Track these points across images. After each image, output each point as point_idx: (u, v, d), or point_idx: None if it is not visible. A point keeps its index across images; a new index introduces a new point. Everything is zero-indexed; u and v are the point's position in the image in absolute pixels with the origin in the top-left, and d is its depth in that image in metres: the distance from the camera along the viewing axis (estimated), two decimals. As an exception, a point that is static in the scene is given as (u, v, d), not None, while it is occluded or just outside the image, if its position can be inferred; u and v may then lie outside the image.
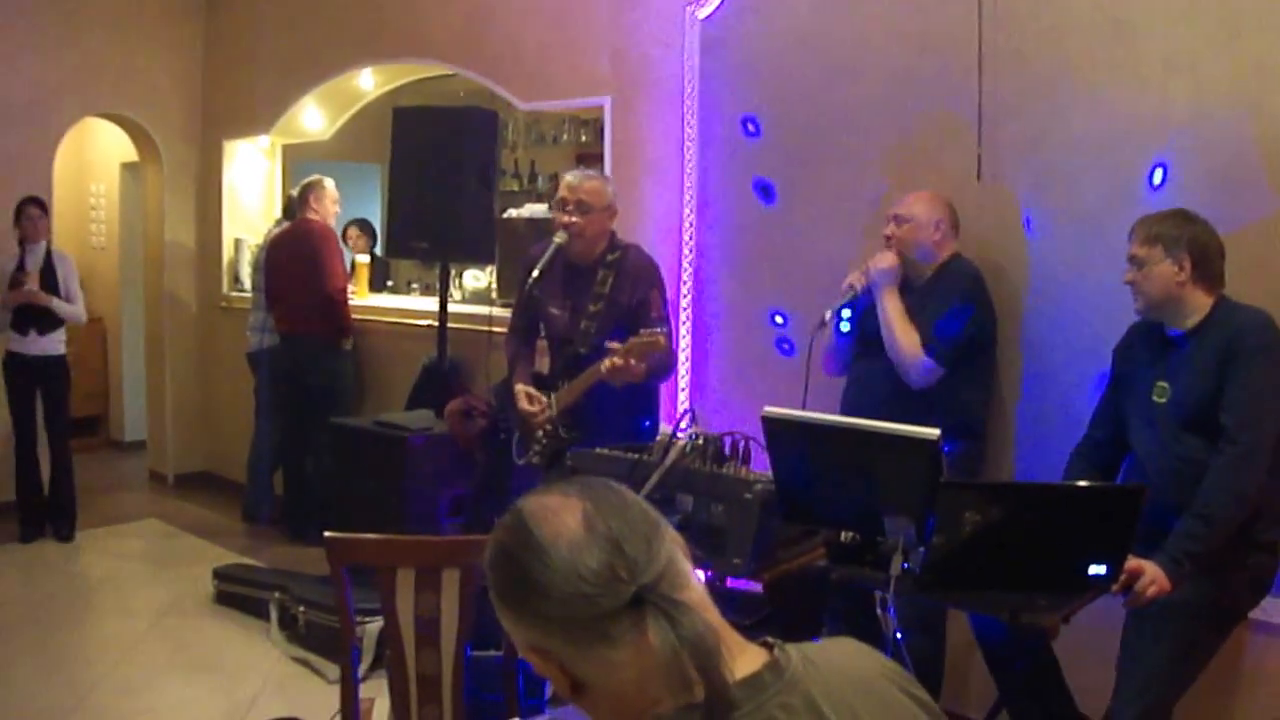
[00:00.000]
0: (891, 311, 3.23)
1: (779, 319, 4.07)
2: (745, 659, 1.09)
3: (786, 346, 4.03)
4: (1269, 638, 2.96)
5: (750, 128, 4.13)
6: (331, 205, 5.71)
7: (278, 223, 6.18)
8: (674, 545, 1.10)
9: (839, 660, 1.16)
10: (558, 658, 1.07)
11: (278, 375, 5.81)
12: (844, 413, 3.25)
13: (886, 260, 3.28)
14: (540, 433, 3.55)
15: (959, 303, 3.23)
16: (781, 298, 4.06)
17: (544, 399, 3.54)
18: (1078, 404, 3.27)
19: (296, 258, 5.54)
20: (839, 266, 3.85)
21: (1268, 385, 2.58)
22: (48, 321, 5.60)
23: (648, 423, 3.60)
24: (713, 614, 1.10)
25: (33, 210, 5.58)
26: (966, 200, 3.39)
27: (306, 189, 5.67)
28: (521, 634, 1.10)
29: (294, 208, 5.86)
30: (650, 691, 1.05)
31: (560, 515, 1.08)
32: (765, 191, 4.10)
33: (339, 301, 5.56)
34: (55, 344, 5.66)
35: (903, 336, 3.20)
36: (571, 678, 1.08)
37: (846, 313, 3.38)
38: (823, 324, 3.35)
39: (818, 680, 1.09)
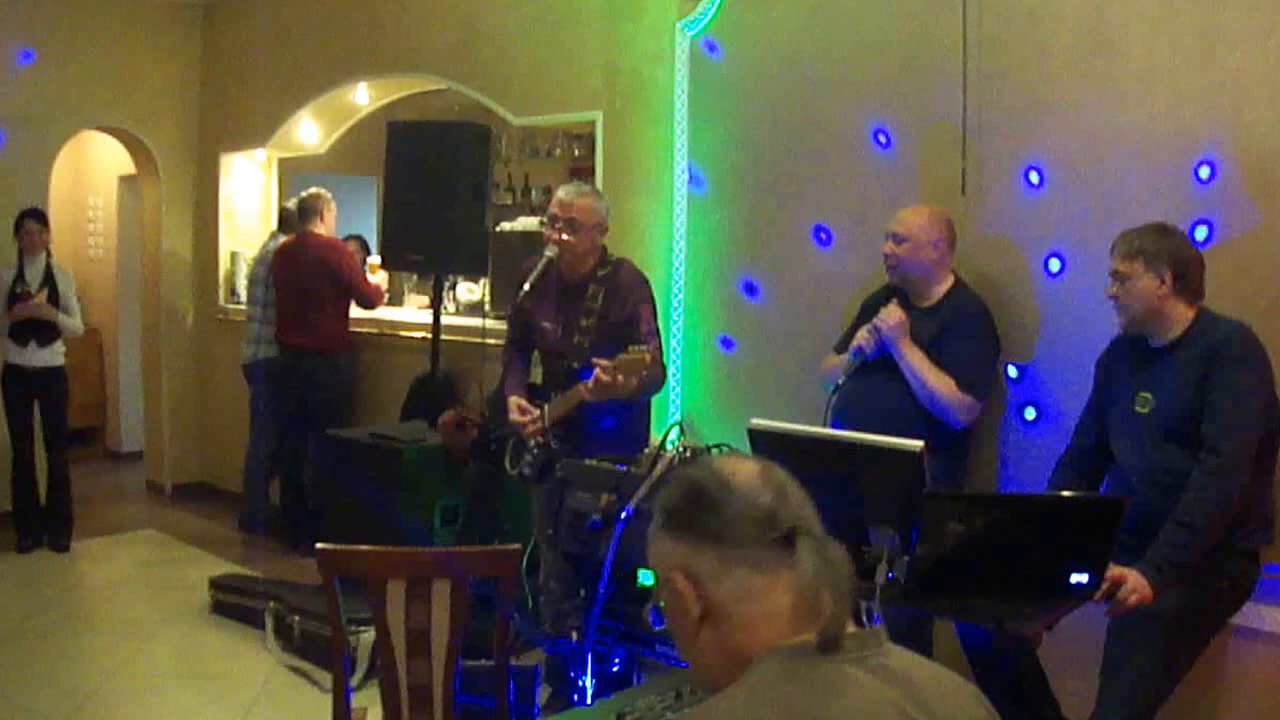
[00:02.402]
0: (917, 364, 3.22)
1: (770, 331, 4.11)
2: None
3: (777, 359, 4.07)
4: (1250, 642, 2.99)
5: (740, 142, 4.17)
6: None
7: (273, 235, 6.21)
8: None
9: (930, 665, 1.29)
10: (700, 578, 1.21)
11: (277, 386, 5.83)
12: (832, 424, 3.28)
13: (894, 316, 3.27)
14: (532, 443, 3.59)
15: (982, 340, 3.29)
16: (770, 312, 4.10)
17: (534, 410, 3.57)
18: (1061, 414, 3.32)
19: (310, 271, 5.56)
20: (826, 280, 3.90)
21: (1248, 395, 2.62)
22: (47, 333, 5.63)
23: (637, 434, 3.63)
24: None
25: (31, 224, 5.62)
26: (951, 213, 3.42)
27: (313, 202, 5.69)
28: (674, 555, 1.24)
29: (292, 220, 5.89)
30: (772, 627, 1.20)
31: (741, 463, 1.28)
32: (753, 206, 4.14)
33: (374, 306, 5.74)
34: (54, 355, 5.69)
35: (938, 383, 3.20)
36: (704, 603, 1.21)
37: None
38: (836, 389, 3.35)
39: (907, 662, 1.23)
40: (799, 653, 1.17)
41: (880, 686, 1.16)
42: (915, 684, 1.19)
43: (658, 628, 1.31)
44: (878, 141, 3.75)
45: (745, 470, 1.25)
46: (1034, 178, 3.39)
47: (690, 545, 1.23)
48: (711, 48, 4.23)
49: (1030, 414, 3.42)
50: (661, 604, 1.27)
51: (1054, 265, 3.35)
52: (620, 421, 3.53)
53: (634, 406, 3.58)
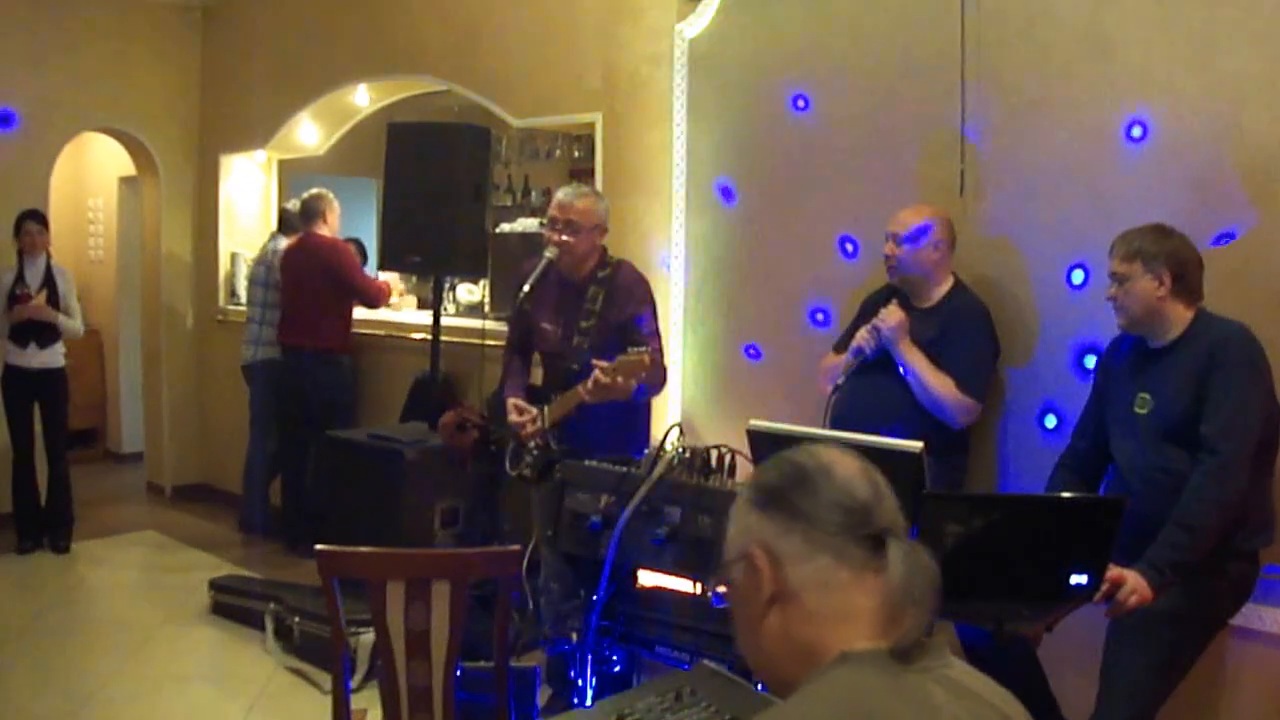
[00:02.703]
0: (917, 364, 3.23)
1: (769, 333, 4.11)
2: None
3: (776, 360, 4.07)
4: (1250, 643, 2.99)
5: (738, 144, 4.17)
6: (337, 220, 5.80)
7: (273, 236, 6.21)
8: None
9: (979, 674, 1.26)
10: (780, 558, 1.20)
11: (278, 387, 5.83)
12: (832, 425, 3.28)
13: (894, 317, 3.27)
14: (532, 445, 3.59)
15: (982, 341, 3.29)
16: (769, 313, 4.10)
17: (533, 410, 3.57)
18: (1061, 415, 3.32)
19: (315, 272, 5.56)
20: (824, 282, 3.90)
21: (1247, 396, 2.62)
22: (48, 335, 5.64)
23: (637, 436, 3.62)
24: None
25: (31, 225, 5.63)
26: (950, 214, 3.42)
27: (315, 203, 5.68)
28: (759, 531, 1.23)
29: (293, 221, 5.89)
30: (849, 628, 1.17)
31: (843, 455, 1.27)
32: (752, 208, 4.14)
33: (382, 305, 5.79)
34: (54, 357, 5.69)
35: (938, 384, 3.21)
36: (778, 584, 1.20)
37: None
38: (836, 390, 3.35)
39: (964, 673, 1.21)
40: (876, 660, 1.15)
41: (950, 700, 1.15)
42: (977, 697, 1.18)
43: (717, 606, 1.29)
44: (875, 144, 3.75)
45: (846, 463, 1.25)
46: (1033, 180, 3.39)
47: (779, 523, 1.21)
48: (709, 50, 4.23)
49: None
50: (728, 582, 1.25)
51: (1051, 267, 3.34)
52: (619, 423, 3.53)
53: (632, 409, 3.58)
